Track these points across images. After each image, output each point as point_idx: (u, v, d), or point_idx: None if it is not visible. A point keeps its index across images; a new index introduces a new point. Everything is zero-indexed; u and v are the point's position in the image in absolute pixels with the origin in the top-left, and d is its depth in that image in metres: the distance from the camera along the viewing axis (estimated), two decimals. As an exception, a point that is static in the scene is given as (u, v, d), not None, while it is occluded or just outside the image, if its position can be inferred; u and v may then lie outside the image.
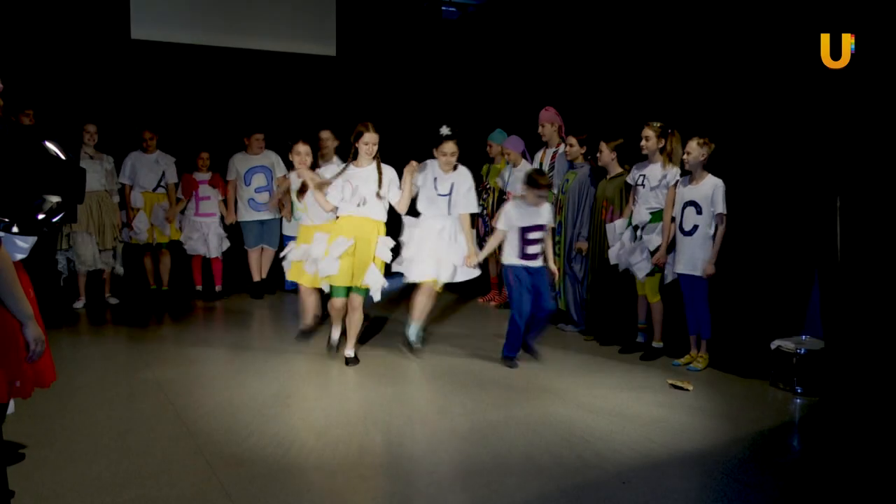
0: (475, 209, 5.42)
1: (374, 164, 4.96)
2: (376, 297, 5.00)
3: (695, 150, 4.86)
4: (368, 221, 4.95)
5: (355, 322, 5.05)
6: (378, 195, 4.93)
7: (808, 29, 4.43)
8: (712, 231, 4.87)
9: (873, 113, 4.32)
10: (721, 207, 4.82)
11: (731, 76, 5.32)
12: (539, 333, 5.28)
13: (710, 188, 4.85)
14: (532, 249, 5.01)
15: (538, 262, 5.05)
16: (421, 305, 5.34)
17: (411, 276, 5.25)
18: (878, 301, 4.44)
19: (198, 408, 4.14)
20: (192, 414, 4.04)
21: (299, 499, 3.07)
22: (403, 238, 5.29)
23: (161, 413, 4.05)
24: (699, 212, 4.88)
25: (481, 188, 7.29)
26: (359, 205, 4.91)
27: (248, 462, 3.41)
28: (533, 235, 5.00)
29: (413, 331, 5.40)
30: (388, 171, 5.01)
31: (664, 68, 5.90)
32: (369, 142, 4.90)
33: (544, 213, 5.04)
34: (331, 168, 5.48)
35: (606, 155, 5.60)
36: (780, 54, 4.87)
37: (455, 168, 5.28)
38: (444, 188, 5.22)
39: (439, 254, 5.17)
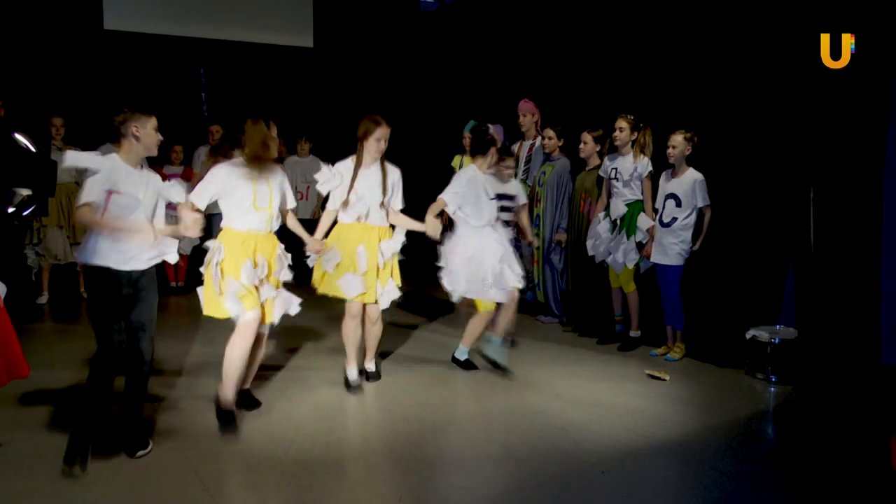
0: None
1: (378, 166, 4.29)
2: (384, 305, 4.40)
3: (680, 143, 4.88)
4: (372, 228, 4.31)
5: (375, 334, 4.51)
6: (381, 205, 4.30)
7: (808, 29, 4.45)
8: (692, 223, 4.91)
9: (869, 112, 4.35)
10: (702, 201, 4.87)
11: (721, 72, 5.32)
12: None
13: (690, 182, 4.88)
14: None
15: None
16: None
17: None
18: (849, 291, 4.51)
19: (175, 403, 4.10)
20: (168, 409, 4.00)
21: (278, 493, 3.06)
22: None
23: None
24: (678, 204, 4.92)
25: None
26: (359, 218, 4.27)
27: (226, 457, 3.39)
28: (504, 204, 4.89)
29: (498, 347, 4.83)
30: (393, 174, 4.37)
31: (650, 64, 5.91)
32: (382, 138, 4.22)
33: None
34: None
35: (591, 146, 5.60)
36: (781, 54, 4.88)
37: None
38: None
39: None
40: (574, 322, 5.89)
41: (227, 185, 3.64)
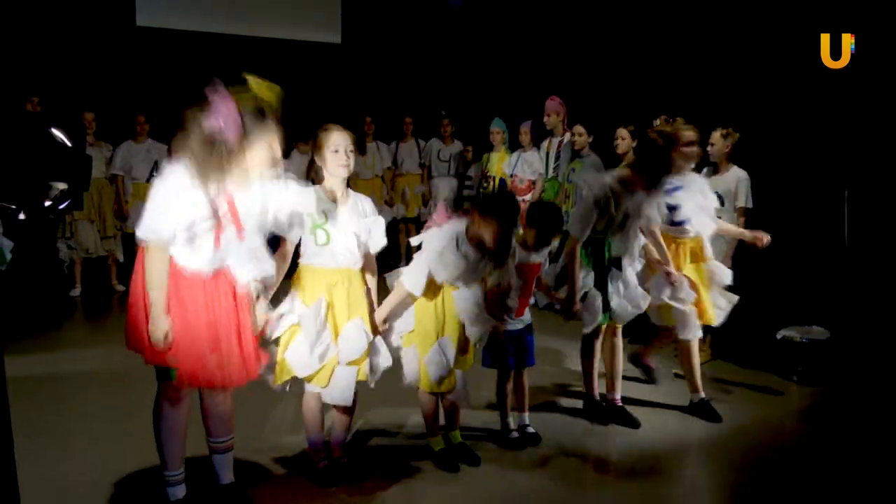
0: None
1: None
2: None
3: (718, 140, 4.72)
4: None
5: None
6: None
7: (808, 29, 4.40)
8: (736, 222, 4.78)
9: (874, 112, 4.30)
10: (743, 201, 4.68)
11: (737, 73, 5.29)
12: None
13: (733, 180, 4.72)
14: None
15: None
16: None
17: None
18: (883, 291, 4.44)
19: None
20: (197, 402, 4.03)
21: (307, 489, 3.09)
22: None
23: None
24: (722, 203, 4.78)
25: (481, 176, 7.30)
26: None
27: (263, 459, 3.41)
28: None
29: None
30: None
31: (670, 62, 5.86)
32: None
33: None
34: None
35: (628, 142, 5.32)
36: (781, 54, 4.84)
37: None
38: None
39: None
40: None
41: None
